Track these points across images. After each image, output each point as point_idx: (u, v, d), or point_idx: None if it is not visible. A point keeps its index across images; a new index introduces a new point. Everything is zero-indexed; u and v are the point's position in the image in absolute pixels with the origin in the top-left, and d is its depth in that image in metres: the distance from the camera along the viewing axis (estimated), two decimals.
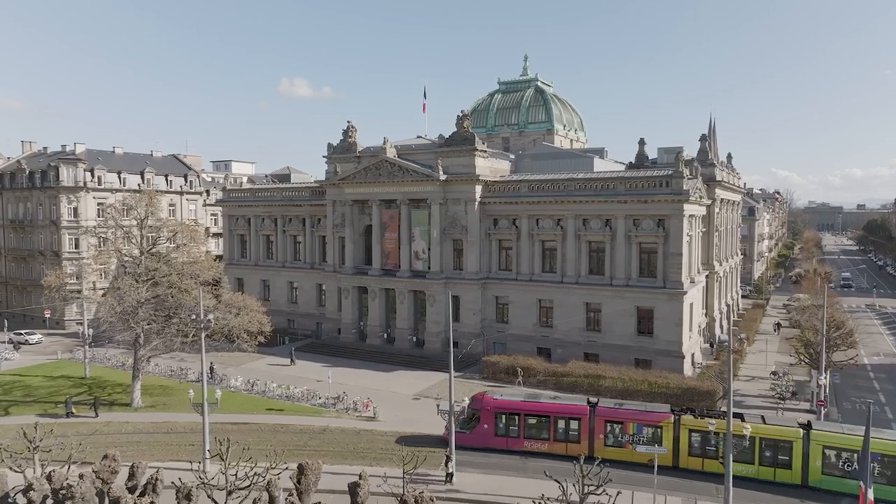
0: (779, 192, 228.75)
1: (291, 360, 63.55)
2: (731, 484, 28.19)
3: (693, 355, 58.88)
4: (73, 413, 47.29)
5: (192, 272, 48.24)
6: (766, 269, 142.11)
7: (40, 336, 76.97)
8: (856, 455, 31.83)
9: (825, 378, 40.63)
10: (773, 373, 56.50)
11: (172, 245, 51.95)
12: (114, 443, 41.20)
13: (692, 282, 58.64)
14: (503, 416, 40.02)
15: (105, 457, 29.40)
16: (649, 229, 56.45)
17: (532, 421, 39.73)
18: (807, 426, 35.39)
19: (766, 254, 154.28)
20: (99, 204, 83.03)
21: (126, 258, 50.54)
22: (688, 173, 56.08)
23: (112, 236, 52.78)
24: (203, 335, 36.32)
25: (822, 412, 40.73)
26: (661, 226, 56.03)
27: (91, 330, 60.31)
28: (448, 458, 34.87)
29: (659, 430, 36.95)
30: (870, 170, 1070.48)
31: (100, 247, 58.61)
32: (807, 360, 50.10)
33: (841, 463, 33.37)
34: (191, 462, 30.83)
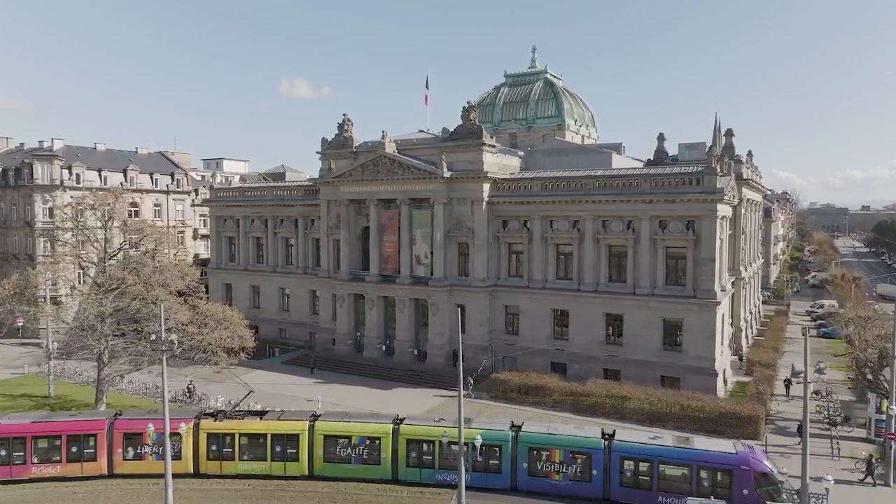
0: (787, 193, 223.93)
1: (312, 370, 60.54)
2: None
3: (725, 371, 53.26)
4: None
5: (160, 281, 42.36)
6: (781, 272, 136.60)
7: None
8: (349, 441, 35.21)
9: (894, 407, 34.81)
10: (816, 392, 50.67)
11: (143, 249, 46.06)
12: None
13: (723, 290, 53.02)
14: (2, 443, 34.90)
15: None
16: (677, 232, 50.74)
17: (43, 444, 35.47)
18: (314, 417, 36.52)
19: (781, 256, 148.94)
20: (77, 204, 77.26)
21: (86, 264, 44.70)
22: (719, 170, 50.48)
23: (73, 239, 46.96)
24: (165, 358, 30.48)
25: (893, 448, 34.85)
26: (691, 228, 50.29)
27: (55, 343, 54.42)
28: None
29: (178, 436, 35.14)
30: (870, 171, 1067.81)
31: (76, 249, 52.46)
32: (864, 383, 44.36)
33: (339, 450, 35.19)
34: None
